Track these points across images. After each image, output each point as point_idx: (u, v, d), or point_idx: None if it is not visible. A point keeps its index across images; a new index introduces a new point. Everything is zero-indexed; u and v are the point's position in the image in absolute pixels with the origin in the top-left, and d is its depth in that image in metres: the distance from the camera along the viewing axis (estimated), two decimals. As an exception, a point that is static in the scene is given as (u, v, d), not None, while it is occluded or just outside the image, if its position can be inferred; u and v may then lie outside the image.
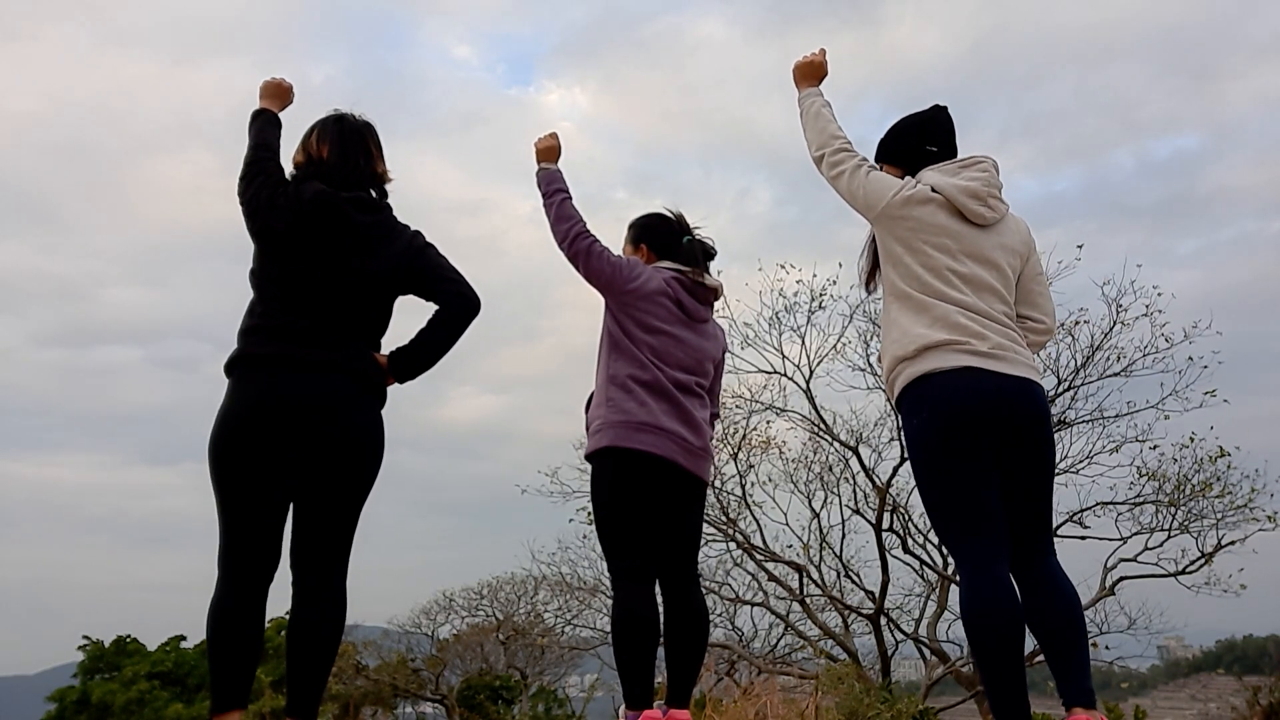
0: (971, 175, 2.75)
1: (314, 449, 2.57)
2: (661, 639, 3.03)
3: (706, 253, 3.28)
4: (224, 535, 2.55)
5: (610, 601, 2.99)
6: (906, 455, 2.68)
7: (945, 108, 2.93)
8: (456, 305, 2.82)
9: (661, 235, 3.27)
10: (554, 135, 3.31)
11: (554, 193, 3.17)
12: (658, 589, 3.08)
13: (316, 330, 2.63)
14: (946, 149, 2.87)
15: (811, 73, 3.05)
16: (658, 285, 3.10)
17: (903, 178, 2.81)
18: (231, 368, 2.65)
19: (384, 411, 2.79)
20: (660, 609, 3.03)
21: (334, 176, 2.76)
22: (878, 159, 2.94)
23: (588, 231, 3.10)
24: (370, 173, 2.84)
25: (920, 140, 2.86)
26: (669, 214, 3.31)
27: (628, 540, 2.96)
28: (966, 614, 2.48)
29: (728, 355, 3.44)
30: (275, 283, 2.67)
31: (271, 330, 2.62)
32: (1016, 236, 2.79)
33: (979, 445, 2.53)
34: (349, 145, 2.82)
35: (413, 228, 2.88)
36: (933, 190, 2.70)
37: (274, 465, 2.56)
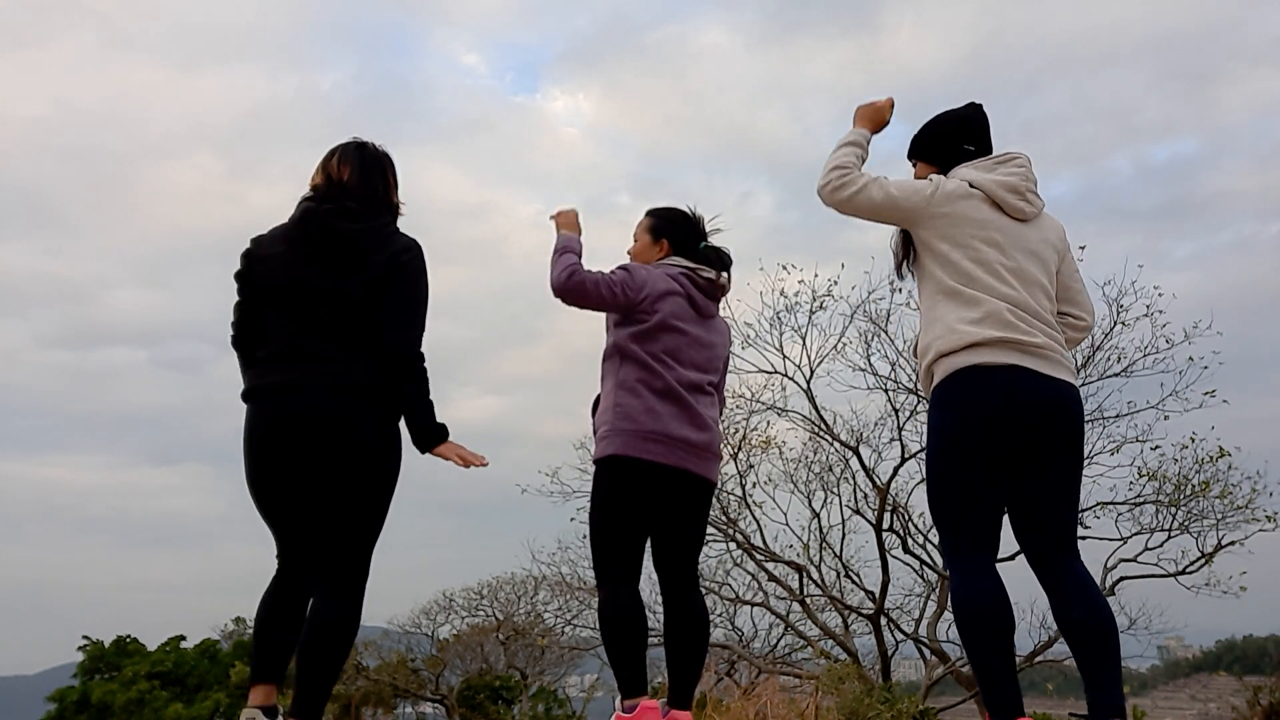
0: (1009, 170, 2.72)
1: (318, 465, 2.64)
2: (663, 641, 3.04)
3: (723, 260, 3.24)
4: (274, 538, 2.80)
5: None
6: (926, 444, 2.65)
7: (980, 105, 2.89)
8: (393, 366, 2.70)
9: (685, 233, 3.24)
10: (573, 210, 3.23)
11: (565, 251, 3.07)
12: (655, 590, 3.11)
13: (315, 347, 2.66)
14: (983, 148, 2.83)
15: (869, 115, 2.91)
16: (666, 285, 3.07)
17: (930, 176, 2.78)
18: (246, 397, 2.78)
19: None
20: (658, 610, 3.04)
21: (351, 198, 2.79)
22: (912, 155, 2.91)
23: (582, 267, 3.02)
24: (386, 200, 2.87)
25: (958, 138, 2.82)
26: (691, 213, 3.27)
27: (620, 546, 2.96)
28: (957, 605, 2.53)
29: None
30: (275, 303, 2.73)
31: (276, 355, 2.70)
32: (1054, 233, 2.76)
33: (1005, 446, 2.52)
34: (370, 171, 2.85)
35: (409, 240, 2.81)
36: (971, 186, 2.68)
37: (288, 483, 2.68)
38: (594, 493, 3.04)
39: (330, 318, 2.67)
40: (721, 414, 3.34)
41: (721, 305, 3.35)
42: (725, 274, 3.23)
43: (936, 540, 11.28)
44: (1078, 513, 2.63)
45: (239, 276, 2.79)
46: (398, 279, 2.72)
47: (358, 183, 2.81)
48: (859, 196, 2.70)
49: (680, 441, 2.97)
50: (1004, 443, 2.51)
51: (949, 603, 10.95)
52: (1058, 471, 2.56)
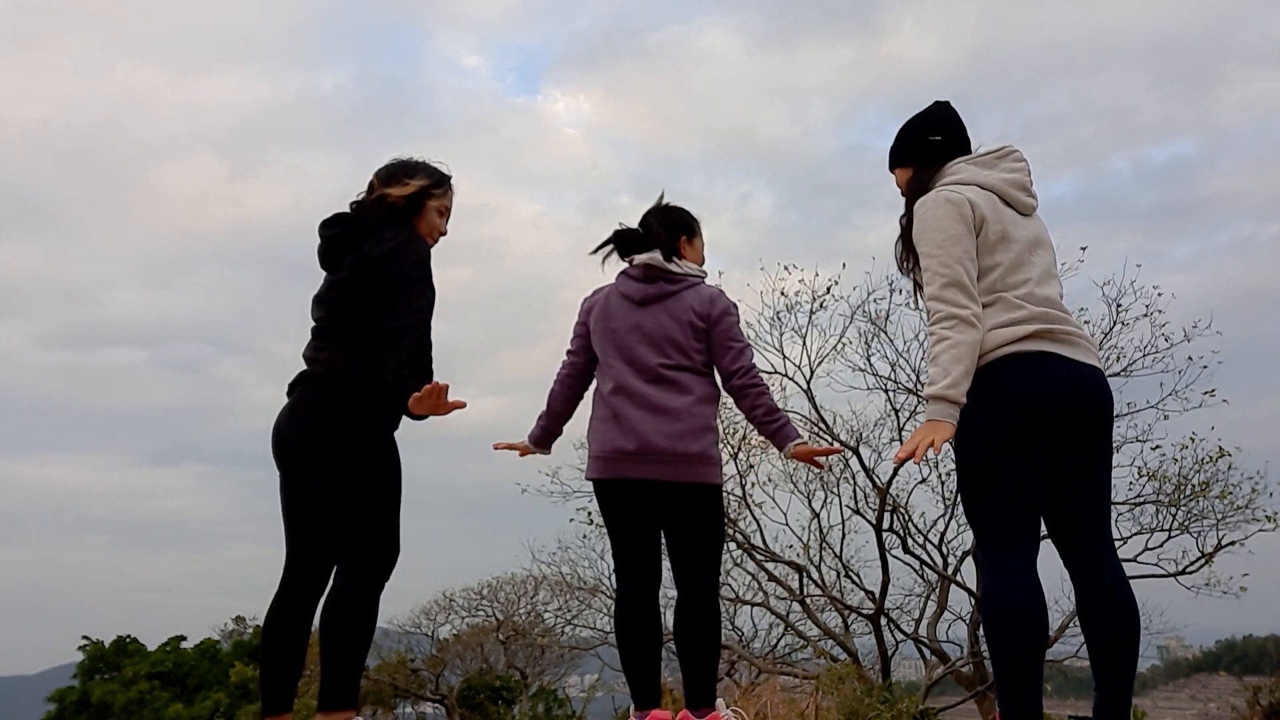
0: (1010, 166, 2.71)
1: (307, 458, 2.74)
2: (672, 644, 3.06)
3: (620, 241, 3.18)
4: None
5: (610, 601, 3.05)
6: (958, 438, 2.55)
7: (945, 102, 2.87)
8: (401, 348, 2.66)
9: (621, 248, 3.21)
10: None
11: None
12: (661, 589, 3.15)
13: (308, 354, 2.84)
14: (953, 139, 2.79)
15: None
16: (594, 298, 3.21)
17: (919, 174, 2.75)
18: None
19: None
20: (666, 611, 3.07)
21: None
22: (892, 166, 2.90)
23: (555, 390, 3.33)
24: (378, 195, 2.88)
25: (923, 133, 2.81)
26: (619, 228, 3.21)
27: (621, 553, 3.09)
28: (991, 607, 2.44)
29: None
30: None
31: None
32: (1045, 230, 2.77)
33: (1042, 433, 2.48)
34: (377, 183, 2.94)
35: (389, 235, 2.76)
36: (980, 186, 2.64)
37: (291, 477, 2.82)
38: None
39: (321, 320, 2.83)
40: (747, 375, 3.08)
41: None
42: (654, 250, 3.10)
43: (936, 540, 11.32)
44: (1111, 503, 2.59)
45: None
46: (375, 272, 2.71)
47: (366, 194, 2.93)
48: (943, 298, 2.52)
49: (614, 453, 3.01)
50: (1041, 430, 2.47)
51: (949, 603, 11.02)
52: (1091, 458, 2.54)
